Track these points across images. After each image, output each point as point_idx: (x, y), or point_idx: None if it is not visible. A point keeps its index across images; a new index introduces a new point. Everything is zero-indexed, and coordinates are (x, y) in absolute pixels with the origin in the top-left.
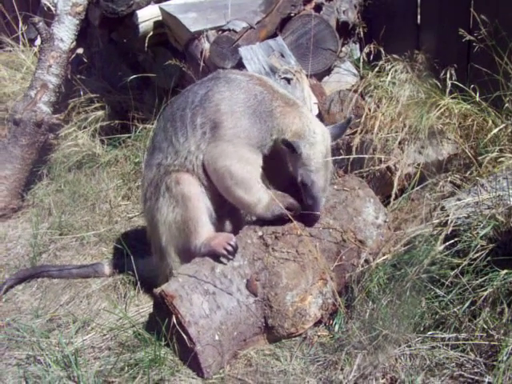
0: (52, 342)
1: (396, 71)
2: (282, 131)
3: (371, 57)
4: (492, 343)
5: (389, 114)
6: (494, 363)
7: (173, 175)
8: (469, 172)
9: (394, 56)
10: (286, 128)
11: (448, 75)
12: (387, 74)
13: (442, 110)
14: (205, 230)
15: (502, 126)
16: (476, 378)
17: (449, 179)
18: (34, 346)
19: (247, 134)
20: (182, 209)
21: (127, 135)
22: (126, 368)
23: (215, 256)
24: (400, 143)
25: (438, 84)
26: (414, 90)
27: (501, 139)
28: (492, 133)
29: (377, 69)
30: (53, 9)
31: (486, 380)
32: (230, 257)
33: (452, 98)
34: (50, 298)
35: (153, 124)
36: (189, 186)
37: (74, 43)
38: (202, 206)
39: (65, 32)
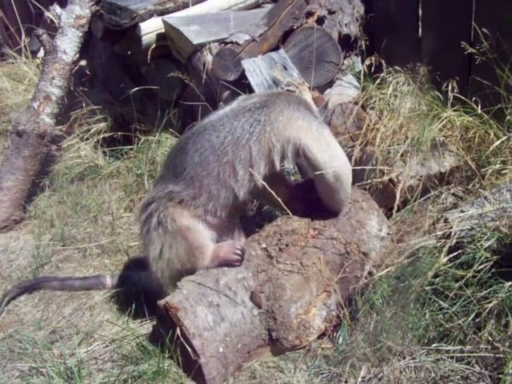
0: (55, 354)
1: (398, 83)
2: None
3: (373, 69)
4: (497, 356)
5: (390, 126)
6: (500, 376)
7: (169, 209)
8: (471, 184)
9: (396, 68)
10: None
11: (450, 88)
12: (389, 87)
13: (444, 122)
14: (210, 251)
15: (503, 139)
16: None
17: (451, 191)
18: (36, 358)
19: None
20: (183, 243)
21: (129, 147)
22: (130, 380)
23: (226, 265)
24: (402, 155)
25: (440, 96)
26: (415, 102)
27: (503, 151)
28: (494, 145)
29: (378, 81)
30: (56, 21)
31: None
32: (240, 261)
33: (454, 111)
34: (53, 310)
35: (155, 136)
36: (187, 219)
37: (77, 55)
38: (202, 233)
39: (68, 44)
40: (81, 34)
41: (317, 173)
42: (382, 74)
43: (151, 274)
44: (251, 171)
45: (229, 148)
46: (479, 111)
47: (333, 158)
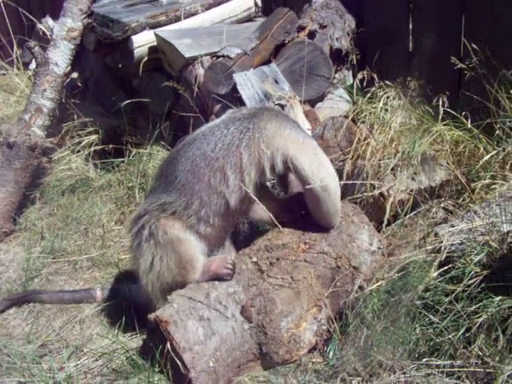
0: (43, 368)
1: (388, 97)
2: None
3: (364, 83)
4: (487, 370)
5: (381, 140)
6: None
7: (161, 221)
8: (461, 198)
9: (387, 82)
10: None
11: (440, 102)
12: (379, 101)
13: (435, 136)
14: (201, 264)
15: (493, 153)
16: None
17: (441, 205)
18: (25, 372)
19: None
20: (174, 256)
21: (121, 159)
22: None
23: (217, 279)
24: (393, 169)
25: (430, 111)
26: (406, 116)
27: (492, 165)
28: (484, 159)
29: (369, 95)
30: (48, 33)
31: None
32: (231, 274)
33: (444, 125)
34: (42, 323)
35: (146, 149)
36: (178, 231)
37: (69, 67)
38: (194, 245)
39: (60, 56)
40: (73, 47)
41: (306, 186)
42: (373, 89)
43: (142, 287)
44: (239, 180)
45: (220, 154)
46: (469, 126)
47: (320, 169)
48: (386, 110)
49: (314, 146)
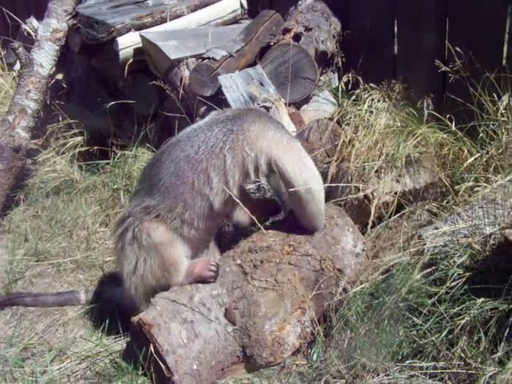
0: (26, 372)
1: (373, 100)
2: None
3: (349, 86)
4: (470, 372)
5: (366, 142)
6: None
7: (144, 224)
8: (445, 201)
9: (372, 85)
10: None
11: (425, 104)
12: (364, 103)
13: (419, 138)
14: (184, 267)
15: (477, 156)
16: None
17: (426, 207)
18: (7, 376)
19: None
20: (158, 259)
21: (106, 161)
22: None
23: (201, 281)
24: (377, 171)
25: (415, 113)
26: (390, 118)
27: (476, 168)
28: (468, 162)
29: (354, 97)
30: (33, 34)
31: None
32: (215, 277)
33: (428, 127)
34: (25, 326)
35: (131, 151)
36: (162, 234)
37: (54, 69)
38: (177, 248)
39: (44, 57)
40: (57, 48)
41: (289, 188)
42: (358, 91)
43: (125, 289)
44: (223, 182)
45: (203, 156)
46: (453, 128)
47: (303, 171)
48: (371, 112)
49: (298, 148)
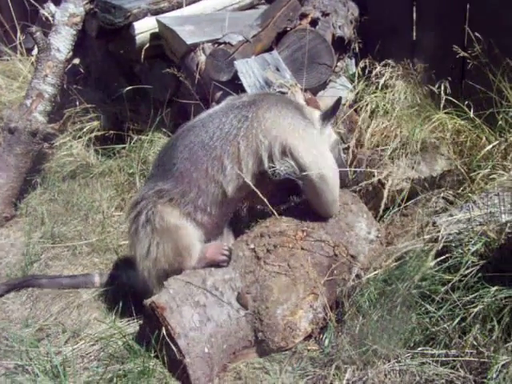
0: (41, 352)
1: (392, 77)
2: None
3: (366, 72)
4: (482, 360)
5: (383, 128)
6: (484, 380)
7: (158, 207)
8: (461, 188)
9: (390, 62)
10: None
11: (442, 88)
12: (381, 89)
13: (436, 124)
14: (197, 251)
15: (495, 143)
16: None
17: (441, 195)
18: (22, 356)
19: None
20: (171, 243)
21: (122, 146)
22: (115, 379)
23: (214, 265)
24: (393, 158)
25: (434, 92)
26: (407, 103)
27: (494, 156)
28: (485, 149)
29: (370, 82)
30: (50, 19)
31: None
32: (227, 261)
33: (446, 113)
34: (40, 308)
35: (147, 135)
36: (175, 218)
37: (71, 53)
38: (191, 232)
39: (62, 42)
40: (74, 32)
41: (303, 174)
42: (377, 69)
43: (138, 272)
44: (236, 170)
45: (217, 143)
46: (471, 115)
47: (318, 159)
48: (388, 98)
49: (314, 136)
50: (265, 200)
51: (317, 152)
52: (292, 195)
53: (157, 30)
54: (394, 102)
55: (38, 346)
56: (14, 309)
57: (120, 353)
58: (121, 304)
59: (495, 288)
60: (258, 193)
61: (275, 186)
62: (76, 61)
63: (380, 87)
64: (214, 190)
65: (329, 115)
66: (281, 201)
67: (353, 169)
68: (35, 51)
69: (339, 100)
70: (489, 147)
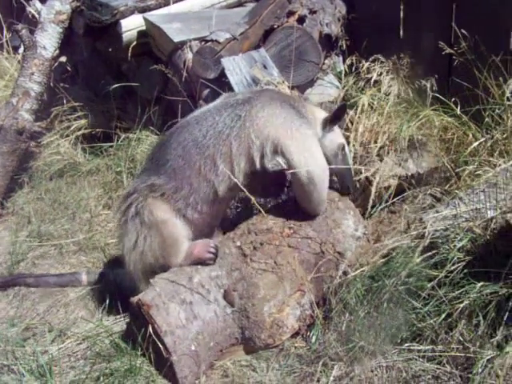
0: (27, 351)
1: (381, 74)
2: None
3: (353, 69)
4: (468, 355)
5: (370, 125)
6: (470, 376)
7: (148, 201)
8: (448, 185)
9: (378, 57)
10: None
11: (429, 85)
12: (369, 86)
13: (423, 120)
14: (184, 248)
15: (481, 140)
16: None
17: (428, 192)
18: (8, 355)
19: None
20: (158, 238)
21: (109, 144)
22: (102, 378)
23: (200, 263)
24: (380, 155)
25: (420, 94)
26: (395, 100)
27: (481, 153)
28: (472, 146)
29: (357, 79)
30: (37, 16)
31: None
32: (214, 259)
33: (433, 110)
34: (27, 307)
35: (135, 133)
36: (164, 213)
37: (58, 51)
38: (179, 229)
39: (48, 40)
40: (61, 30)
41: (291, 171)
42: (366, 64)
43: (125, 266)
44: (227, 171)
45: (210, 142)
46: (458, 112)
47: (309, 160)
48: (376, 95)
49: (307, 136)
50: (253, 199)
51: (308, 153)
52: (287, 187)
53: (144, 28)
54: (382, 100)
55: (24, 345)
56: (0, 308)
57: (107, 351)
58: (108, 302)
59: (481, 284)
60: (247, 192)
61: (269, 179)
62: (63, 59)
63: (368, 84)
64: (205, 188)
65: (332, 120)
66: (275, 194)
67: (339, 166)
68: (22, 49)
69: (344, 106)
70: (475, 144)
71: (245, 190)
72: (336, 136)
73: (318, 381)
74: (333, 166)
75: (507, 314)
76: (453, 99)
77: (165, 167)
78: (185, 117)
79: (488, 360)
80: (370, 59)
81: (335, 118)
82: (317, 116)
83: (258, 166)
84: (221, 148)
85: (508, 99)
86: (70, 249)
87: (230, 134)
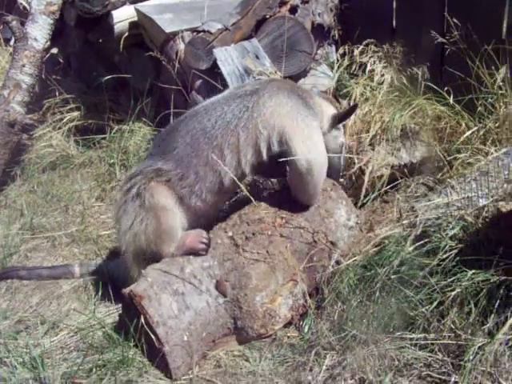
0: (19, 344)
1: (374, 63)
2: None
3: (346, 59)
4: (459, 343)
5: (362, 115)
6: (461, 363)
7: (151, 184)
8: (441, 174)
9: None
10: None
11: (420, 73)
12: (362, 75)
13: (416, 109)
14: (177, 238)
15: (474, 129)
16: (443, 377)
17: (421, 181)
18: (0, 348)
19: None
20: (154, 223)
21: (102, 136)
22: (94, 369)
23: (192, 253)
24: (373, 145)
25: (412, 83)
26: (387, 88)
27: (473, 141)
28: (465, 135)
29: (355, 56)
30: (28, 7)
31: (453, 379)
32: (206, 249)
33: (426, 99)
34: (20, 300)
35: (128, 125)
36: (165, 198)
37: (49, 43)
38: (177, 218)
39: (39, 31)
40: (52, 21)
41: (291, 158)
42: (359, 49)
43: (119, 262)
44: (236, 160)
45: (218, 132)
46: (451, 101)
47: (311, 151)
48: (369, 84)
49: (312, 127)
50: (245, 190)
51: (311, 143)
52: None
53: (136, 19)
54: (375, 89)
55: (16, 338)
56: None
57: (99, 343)
58: (100, 294)
59: (472, 271)
60: (240, 184)
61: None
62: (54, 51)
63: (361, 70)
64: (212, 178)
65: (341, 118)
66: (279, 174)
67: (332, 155)
68: (13, 41)
69: (355, 106)
70: (468, 133)
71: (240, 184)
72: (340, 134)
73: (311, 370)
74: (330, 155)
75: (498, 301)
76: (445, 88)
77: (172, 154)
78: (192, 107)
79: (479, 347)
80: (364, 43)
81: (344, 116)
82: (324, 110)
83: (264, 157)
84: (228, 138)
85: (500, 88)
86: (63, 241)
87: (237, 124)
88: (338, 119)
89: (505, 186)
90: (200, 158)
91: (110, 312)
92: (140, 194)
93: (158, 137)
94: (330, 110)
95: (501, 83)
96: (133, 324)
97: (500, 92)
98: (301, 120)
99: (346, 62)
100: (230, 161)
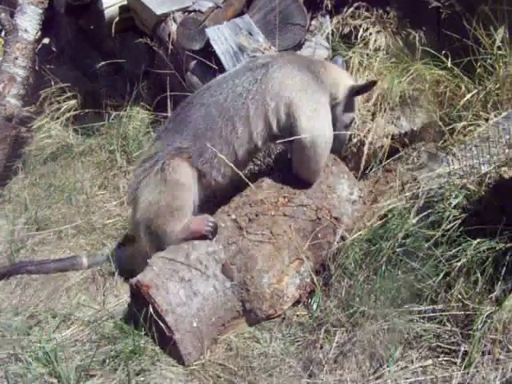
0: (32, 339)
1: (368, 28)
2: None
3: (340, 28)
4: (467, 313)
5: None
6: (470, 332)
7: (175, 160)
8: (442, 141)
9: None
10: None
11: (417, 37)
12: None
13: (414, 75)
14: (186, 220)
15: (474, 92)
16: (453, 347)
17: (422, 149)
18: (14, 345)
19: None
20: (171, 196)
21: (101, 123)
22: (107, 360)
23: (197, 238)
24: (373, 114)
25: (409, 48)
26: (384, 55)
27: (474, 105)
28: (465, 99)
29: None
30: None
31: (462, 349)
32: (212, 232)
33: (424, 64)
34: (30, 295)
35: (125, 110)
36: (186, 177)
37: (40, 33)
38: (191, 198)
39: (28, 22)
40: (41, 11)
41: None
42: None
43: (127, 250)
44: (247, 133)
45: (230, 105)
46: (449, 64)
47: (316, 125)
48: (367, 54)
49: (320, 102)
50: (240, 173)
51: (317, 118)
52: None
53: (125, 3)
54: (371, 57)
55: (29, 333)
56: (3, 297)
57: (111, 334)
58: (108, 284)
59: (477, 241)
60: (236, 170)
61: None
62: (46, 40)
63: (357, 41)
64: (226, 151)
65: (359, 90)
66: None
67: (338, 132)
68: (3, 34)
69: (375, 82)
70: (468, 96)
71: (231, 165)
72: (354, 107)
73: (322, 348)
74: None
75: (504, 268)
76: (443, 52)
77: (187, 128)
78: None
79: (487, 316)
80: (355, 5)
81: (362, 89)
82: (341, 81)
83: (275, 130)
84: (240, 111)
85: (499, 48)
86: (69, 233)
87: (247, 96)
88: (356, 91)
89: (506, 151)
90: (214, 131)
91: (120, 301)
92: (164, 169)
93: (172, 113)
94: (348, 81)
95: (499, 43)
96: (142, 313)
97: (499, 53)
98: (310, 94)
99: (339, 29)
100: (242, 133)
